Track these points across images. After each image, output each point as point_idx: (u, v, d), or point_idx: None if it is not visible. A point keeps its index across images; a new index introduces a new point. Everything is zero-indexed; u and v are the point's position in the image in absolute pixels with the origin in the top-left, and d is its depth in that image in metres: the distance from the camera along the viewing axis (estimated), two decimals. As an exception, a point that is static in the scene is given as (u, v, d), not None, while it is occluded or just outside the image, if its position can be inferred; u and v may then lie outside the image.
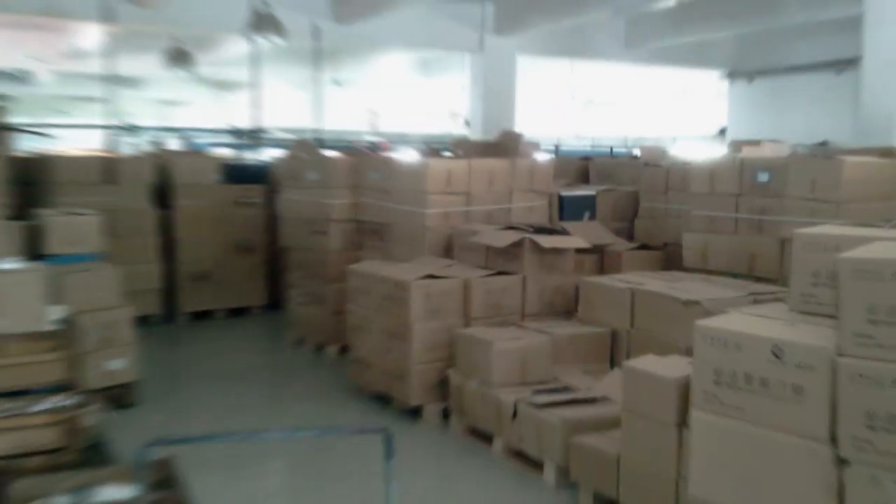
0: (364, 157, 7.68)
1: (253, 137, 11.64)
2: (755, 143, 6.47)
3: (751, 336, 2.78)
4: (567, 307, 5.64)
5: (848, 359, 2.52)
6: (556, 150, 17.21)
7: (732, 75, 15.88)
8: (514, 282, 5.52)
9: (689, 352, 3.52)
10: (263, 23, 8.90)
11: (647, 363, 3.70)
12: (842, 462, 2.55)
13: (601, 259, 6.29)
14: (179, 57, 11.77)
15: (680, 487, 3.44)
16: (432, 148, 9.02)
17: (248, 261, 8.73)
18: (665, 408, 3.46)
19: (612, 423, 4.06)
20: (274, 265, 8.90)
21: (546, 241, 5.48)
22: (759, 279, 5.23)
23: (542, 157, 7.31)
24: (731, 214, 5.51)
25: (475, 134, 12.53)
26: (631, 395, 3.67)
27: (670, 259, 6.35)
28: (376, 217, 6.77)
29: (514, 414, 4.49)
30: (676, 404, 3.39)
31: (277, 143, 16.74)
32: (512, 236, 5.51)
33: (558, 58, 14.78)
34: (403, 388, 5.29)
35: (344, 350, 6.51)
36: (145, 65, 17.34)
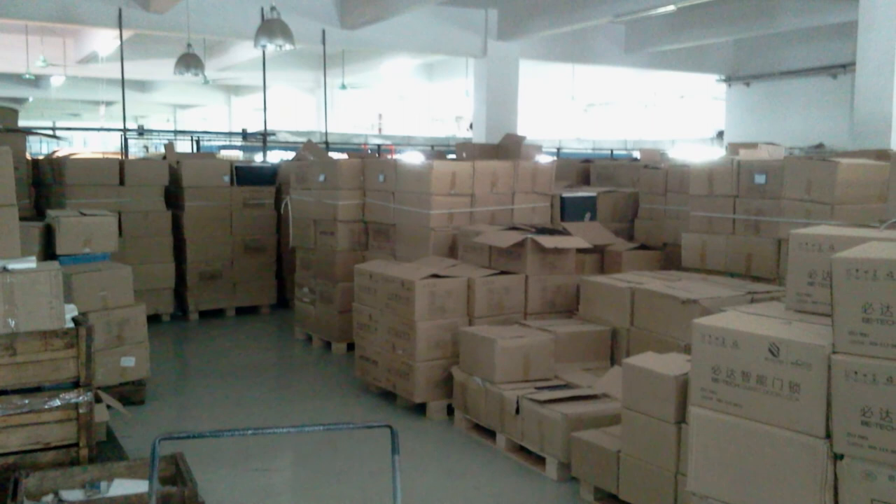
0: (370, 160, 7.73)
1: (262, 140, 11.71)
2: (752, 145, 6.47)
3: (748, 334, 2.80)
4: (568, 306, 5.68)
5: (843, 356, 2.55)
6: (558, 153, 17.27)
7: (730, 79, 15.92)
8: (516, 281, 5.57)
9: (687, 350, 3.59)
10: (273, 29, 8.96)
11: (646, 361, 3.73)
12: (837, 457, 2.58)
13: (602, 259, 6.33)
14: (190, 62, 11.85)
15: (679, 482, 3.48)
16: (437, 150, 9.06)
17: (257, 261, 8.79)
18: (664, 404, 3.49)
19: (613, 420, 4.13)
20: (283, 265, 8.99)
21: (548, 241, 5.51)
22: (756, 279, 5.25)
23: (544, 159, 7.36)
24: (728, 215, 5.53)
25: (479, 137, 12.58)
26: (631, 391, 3.69)
27: (669, 259, 6.40)
28: (382, 218, 6.82)
29: (517, 410, 4.52)
30: (675, 401, 3.43)
31: (286, 146, 16.86)
32: (515, 237, 5.53)
33: (560, 62, 14.87)
34: (408, 385, 5.33)
35: (350, 348, 6.54)
36: (157, 69, 17.49)
